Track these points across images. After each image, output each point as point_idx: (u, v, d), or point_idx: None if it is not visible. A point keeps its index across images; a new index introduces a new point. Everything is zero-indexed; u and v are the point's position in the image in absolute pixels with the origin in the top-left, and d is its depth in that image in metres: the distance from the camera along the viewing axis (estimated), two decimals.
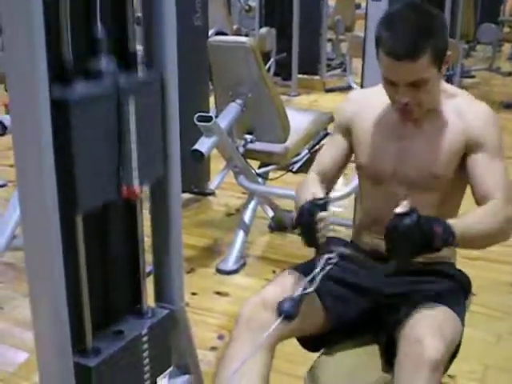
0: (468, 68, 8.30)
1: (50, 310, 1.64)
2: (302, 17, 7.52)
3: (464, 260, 3.54)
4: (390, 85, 1.82)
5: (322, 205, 1.76)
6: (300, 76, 7.73)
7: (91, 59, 1.70)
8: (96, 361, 1.68)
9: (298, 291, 1.67)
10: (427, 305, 1.80)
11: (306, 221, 1.74)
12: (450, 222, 1.67)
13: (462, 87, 7.49)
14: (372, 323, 1.92)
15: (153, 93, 1.82)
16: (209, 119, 3.14)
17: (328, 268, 1.72)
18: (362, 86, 4.28)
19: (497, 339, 2.93)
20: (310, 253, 2.14)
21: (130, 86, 1.72)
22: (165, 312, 1.97)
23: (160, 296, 2.02)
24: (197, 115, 3.15)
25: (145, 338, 1.88)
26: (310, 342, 1.97)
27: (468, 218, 1.76)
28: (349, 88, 7.06)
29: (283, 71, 7.72)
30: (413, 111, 1.84)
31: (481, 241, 1.80)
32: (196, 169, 4.17)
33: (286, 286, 1.83)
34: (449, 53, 1.82)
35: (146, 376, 1.84)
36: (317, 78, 8.02)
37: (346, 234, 3.07)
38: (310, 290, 1.68)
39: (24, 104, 1.54)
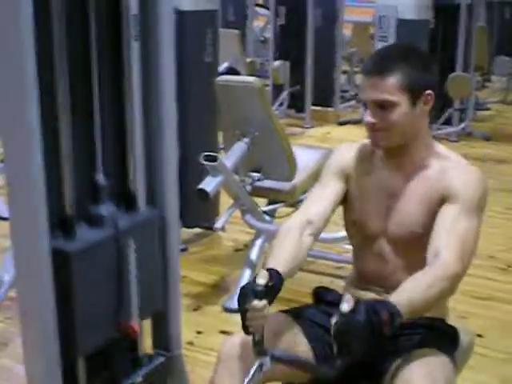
0: (483, 100, 8.27)
1: (41, 355, 1.64)
2: (316, 48, 7.55)
3: (471, 300, 3.53)
4: (364, 106, 1.87)
5: (261, 292, 1.59)
6: (314, 108, 7.74)
7: (92, 204, 1.74)
8: None
9: None
10: (417, 352, 1.77)
11: (239, 307, 1.63)
12: (395, 300, 1.57)
13: (476, 120, 7.53)
14: (359, 371, 1.89)
15: (152, 230, 1.85)
16: (215, 159, 3.16)
17: (259, 377, 1.59)
18: None
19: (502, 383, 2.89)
20: None
21: (130, 227, 1.76)
22: (161, 359, 1.98)
23: (157, 342, 2.03)
24: (203, 154, 3.16)
25: None
26: None
27: (414, 288, 1.66)
28: (362, 121, 7.04)
29: (297, 103, 7.74)
30: (379, 135, 1.86)
31: (427, 307, 1.70)
32: (205, 203, 4.16)
33: (267, 324, 1.72)
34: (428, 92, 1.83)
35: None
36: (331, 109, 8.03)
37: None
38: None
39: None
